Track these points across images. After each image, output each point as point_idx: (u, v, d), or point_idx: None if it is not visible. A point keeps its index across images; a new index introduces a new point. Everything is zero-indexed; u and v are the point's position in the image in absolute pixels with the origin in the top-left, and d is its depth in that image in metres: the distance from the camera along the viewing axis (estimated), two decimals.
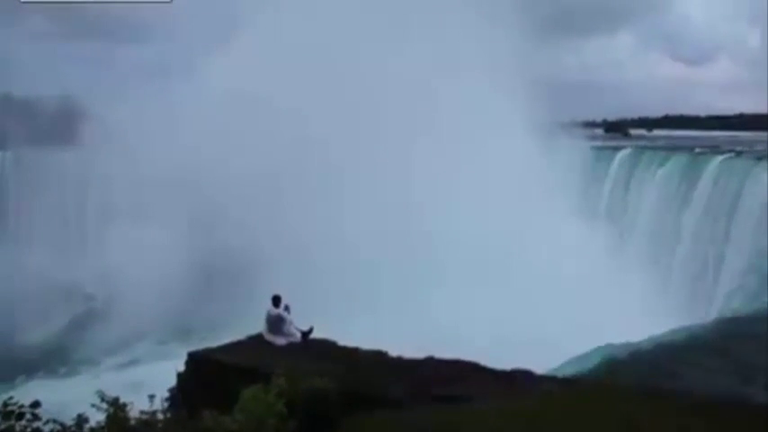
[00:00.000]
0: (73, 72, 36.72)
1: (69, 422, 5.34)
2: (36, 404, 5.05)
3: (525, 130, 34.36)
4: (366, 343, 10.08)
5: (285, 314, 10.63)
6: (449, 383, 8.48)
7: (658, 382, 11.74)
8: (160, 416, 5.95)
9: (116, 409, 5.69)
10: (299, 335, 10.61)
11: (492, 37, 35.77)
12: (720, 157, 28.93)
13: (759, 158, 27.17)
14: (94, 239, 38.99)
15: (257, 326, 10.80)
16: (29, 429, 4.96)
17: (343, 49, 33.17)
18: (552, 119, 36.82)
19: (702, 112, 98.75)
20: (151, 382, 7.28)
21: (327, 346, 10.29)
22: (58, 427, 5.22)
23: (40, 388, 23.92)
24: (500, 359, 9.14)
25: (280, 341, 10.46)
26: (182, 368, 10.11)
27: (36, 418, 5.03)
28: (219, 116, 33.73)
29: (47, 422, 5.14)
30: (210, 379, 9.16)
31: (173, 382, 9.70)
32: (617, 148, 37.24)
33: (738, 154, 30.15)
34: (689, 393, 8.70)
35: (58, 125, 37.17)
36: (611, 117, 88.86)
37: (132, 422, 5.69)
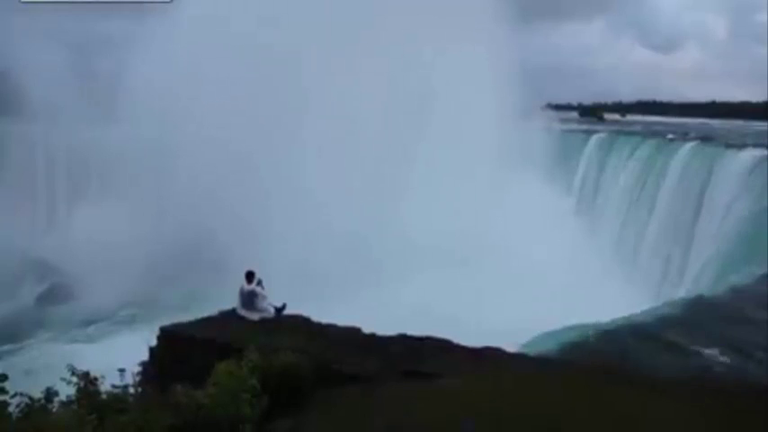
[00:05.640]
0: (40, 45, 35.31)
1: (37, 395, 5.25)
2: (3, 377, 4.96)
3: (501, 114, 34.40)
4: (338, 320, 10.11)
5: (258, 289, 10.59)
6: (420, 360, 8.56)
7: (625, 362, 12.05)
8: (132, 390, 5.90)
9: (87, 382, 5.61)
10: (272, 310, 10.58)
11: (468, 20, 35.53)
12: (690, 144, 29.51)
13: (727, 146, 27.80)
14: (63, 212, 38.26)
15: (230, 301, 10.75)
16: None
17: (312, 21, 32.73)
18: (528, 103, 36.94)
19: (675, 99, 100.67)
20: (122, 357, 7.19)
21: (300, 322, 10.28)
22: (26, 401, 5.13)
23: (3, 362, 23.52)
24: (470, 336, 9.24)
25: (253, 316, 10.43)
26: (153, 343, 10.01)
27: (3, 391, 4.94)
28: (187, 86, 32.95)
29: (14, 395, 5.04)
30: (183, 354, 9.08)
31: (143, 357, 9.60)
32: (591, 132, 37.64)
33: (707, 140, 30.84)
34: (656, 373, 8.95)
35: (22, 95, 35.97)
36: (586, 101, 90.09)
37: (103, 396, 5.62)
